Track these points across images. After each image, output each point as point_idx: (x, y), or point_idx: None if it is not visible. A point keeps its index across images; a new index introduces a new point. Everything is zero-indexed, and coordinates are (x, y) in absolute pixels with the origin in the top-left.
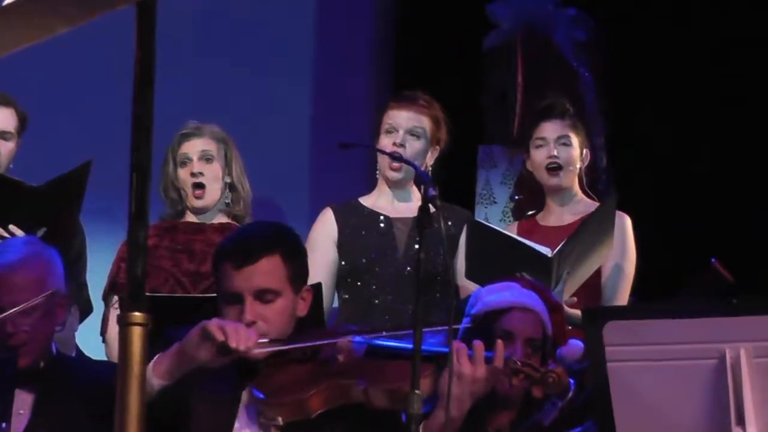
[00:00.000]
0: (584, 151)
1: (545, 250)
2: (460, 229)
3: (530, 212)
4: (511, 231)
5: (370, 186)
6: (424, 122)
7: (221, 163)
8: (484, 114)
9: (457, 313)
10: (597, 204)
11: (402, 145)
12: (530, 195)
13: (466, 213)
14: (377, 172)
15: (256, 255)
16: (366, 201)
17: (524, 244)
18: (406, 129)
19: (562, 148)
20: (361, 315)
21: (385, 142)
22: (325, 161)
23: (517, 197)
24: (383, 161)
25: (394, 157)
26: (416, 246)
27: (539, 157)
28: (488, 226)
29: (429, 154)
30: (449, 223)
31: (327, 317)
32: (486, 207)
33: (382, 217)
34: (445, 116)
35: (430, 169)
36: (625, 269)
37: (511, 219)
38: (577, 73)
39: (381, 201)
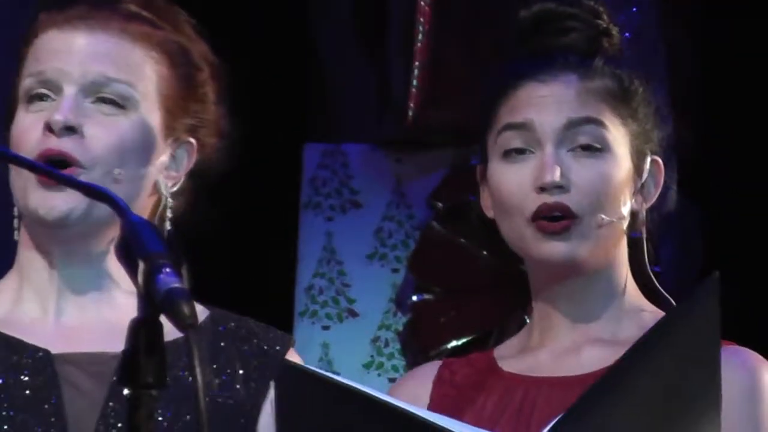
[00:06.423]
0: (648, 163)
1: None
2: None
3: (466, 338)
4: (414, 395)
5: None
6: (139, 62)
7: None
8: (313, 57)
9: None
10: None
11: (71, 130)
12: (471, 287)
13: (284, 338)
14: (14, 215)
15: None
16: None
17: (422, 420)
18: (83, 85)
19: (583, 160)
20: None
21: (27, 123)
22: None
23: (416, 297)
24: (21, 178)
25: (48, 172)
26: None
27: (511, 182)
28: (333, 382)
29: (165, 157)
30: (239, 368)
31: None
32: (335, 323)
33: (29, 355)
34: (208, 50)
35: (170, 202)
36: None
37: (401, 364)
38: None
39: (25, 304)
